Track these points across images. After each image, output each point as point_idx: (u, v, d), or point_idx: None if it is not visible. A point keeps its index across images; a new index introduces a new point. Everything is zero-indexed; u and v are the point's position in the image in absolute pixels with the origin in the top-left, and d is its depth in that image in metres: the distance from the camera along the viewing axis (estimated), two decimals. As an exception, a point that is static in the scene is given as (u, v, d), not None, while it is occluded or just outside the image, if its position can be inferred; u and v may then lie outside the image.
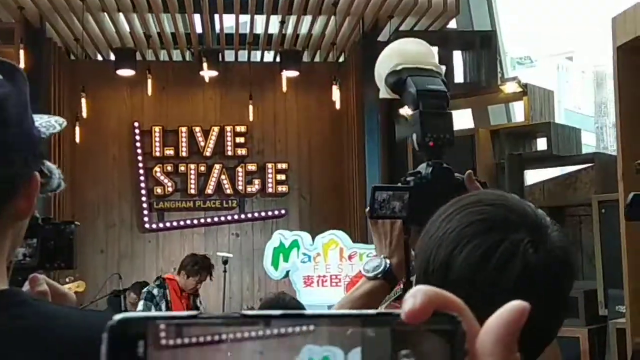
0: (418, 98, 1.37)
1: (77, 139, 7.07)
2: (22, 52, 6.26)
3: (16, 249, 1.11)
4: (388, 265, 1.36)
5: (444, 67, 1.50)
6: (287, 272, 6.19)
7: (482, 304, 0.91)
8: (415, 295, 0.39)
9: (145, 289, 5.91)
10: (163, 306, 5.79)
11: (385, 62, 1.45)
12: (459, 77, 7.23)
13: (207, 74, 7.33)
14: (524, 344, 0.94)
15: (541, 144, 6.77)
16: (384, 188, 1.36)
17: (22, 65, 6.22)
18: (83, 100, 6.86)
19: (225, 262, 5.48)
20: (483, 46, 7.01)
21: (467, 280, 0.93)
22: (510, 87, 6.66)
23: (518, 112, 7.85)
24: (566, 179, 6.75)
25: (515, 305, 0.41)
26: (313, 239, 6.15)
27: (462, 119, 9.10)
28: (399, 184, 1.42)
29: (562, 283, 0.97)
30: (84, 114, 6.89)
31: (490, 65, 7.00)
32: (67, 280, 4.87)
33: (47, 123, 1.03)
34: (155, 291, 5.79)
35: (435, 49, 7.32)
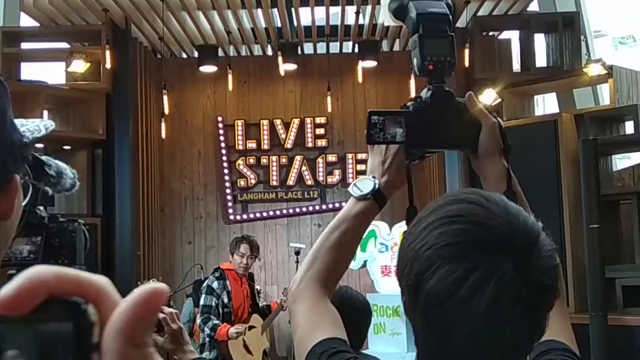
0: (418, 22, 1.33)
1: (163, 135, 7.32)
2: (108, 52, 6.55)
3: (6, 249, 1.19)
4: (377, 186, 1.33)
5: None
6: (365, 262, 6.22)
7: (450, 330, 0.92)
8: (17, 280, 0.34)
9: (205, 283, 5.91)
10: (225, 298, 5.83)
11: None
12: (541, 61, 7.04)
13: (287, 67, 7.44)
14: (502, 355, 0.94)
15: (629, 127, 6.50)
16: (380, 113, 1.32)
17: (108, 65, 6.53)
18: (165, 97, 7.10)
19: (297, 252, 5.56)
20: (566, 28, 6.78)
21: (436, 305, 0.92)
22: (594, 69, 6.41)
23: (607, 95, 7.56)
24: (658, 163, 6.45)
25: (138, 292, 0.36)
26: (390, 228, 6.15)
27: (548, 104, 8.85)
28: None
29: (538, 307, 0.94)
30: (166, 110, 7.14)
31: (574, 47, 6.77)
32: (150, 281, 5.09)
33: (34, 127, 1.10)
34: (215, 284, 5.80)
35: (516, 33, 7.17)
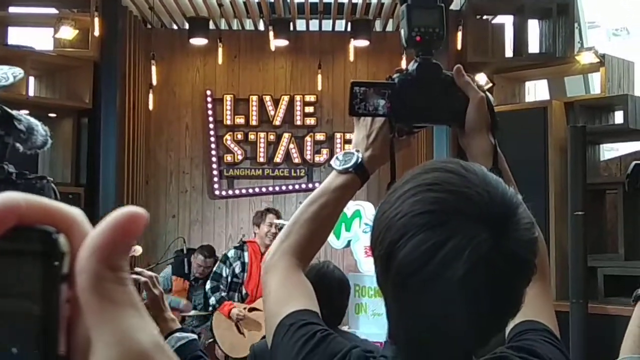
0: None
1: (151, 106, 7.24)
2: (97, 20, 6.45)
3: None
4: (360, 159, 1.30)
5: None
6: (349, 242, 6.20)
7: (423, 300, 0.88)
8: None
9: (224, 252, 6.13)
10: (237, 267, 5.91)
11: None
12: (534, 47, 7.00)
13: (278, 42, 7.36)
14: (471, 334, 0.91)
15: (618, 117, 6.49)
16: (363, 84, 1.29)
17: (96, 32, 6.44)
18: (153, 68, 7.02)
19: (280, 229, 5.53)
20: (560, 15, 6.74)
21: (409, 275, 0.89)
22: (586, 58, 6.38)
23: (597, 84, 7.55)
24: (644, 154, 6.45)
25: (116, 214, 0.34)
26: (376, 208, 6.11)
27: (538, 90, 8.82)
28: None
29: (514, 280, 0.91)
30: (154, 81, 7.06)
31: (567, 34, 6.73)
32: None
33: (1, 75, 1.06)
34: (230, 253, 5.96)
35: (510, 18, 7.12)
